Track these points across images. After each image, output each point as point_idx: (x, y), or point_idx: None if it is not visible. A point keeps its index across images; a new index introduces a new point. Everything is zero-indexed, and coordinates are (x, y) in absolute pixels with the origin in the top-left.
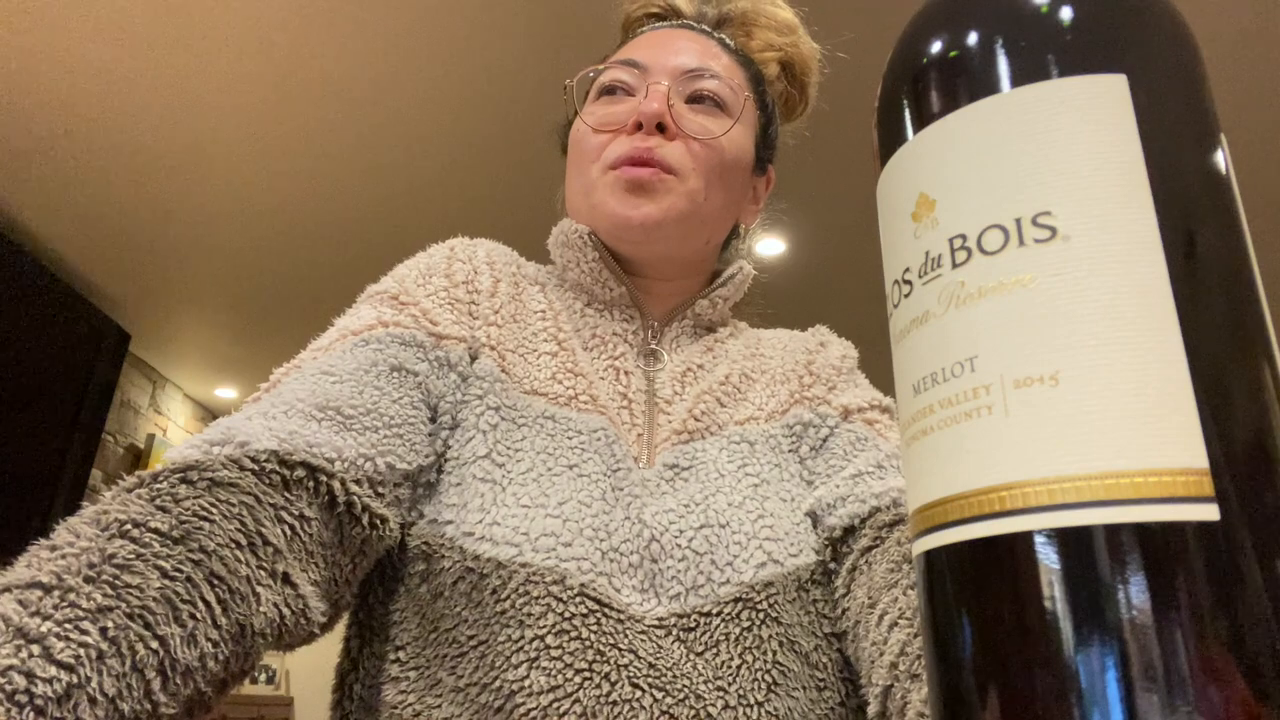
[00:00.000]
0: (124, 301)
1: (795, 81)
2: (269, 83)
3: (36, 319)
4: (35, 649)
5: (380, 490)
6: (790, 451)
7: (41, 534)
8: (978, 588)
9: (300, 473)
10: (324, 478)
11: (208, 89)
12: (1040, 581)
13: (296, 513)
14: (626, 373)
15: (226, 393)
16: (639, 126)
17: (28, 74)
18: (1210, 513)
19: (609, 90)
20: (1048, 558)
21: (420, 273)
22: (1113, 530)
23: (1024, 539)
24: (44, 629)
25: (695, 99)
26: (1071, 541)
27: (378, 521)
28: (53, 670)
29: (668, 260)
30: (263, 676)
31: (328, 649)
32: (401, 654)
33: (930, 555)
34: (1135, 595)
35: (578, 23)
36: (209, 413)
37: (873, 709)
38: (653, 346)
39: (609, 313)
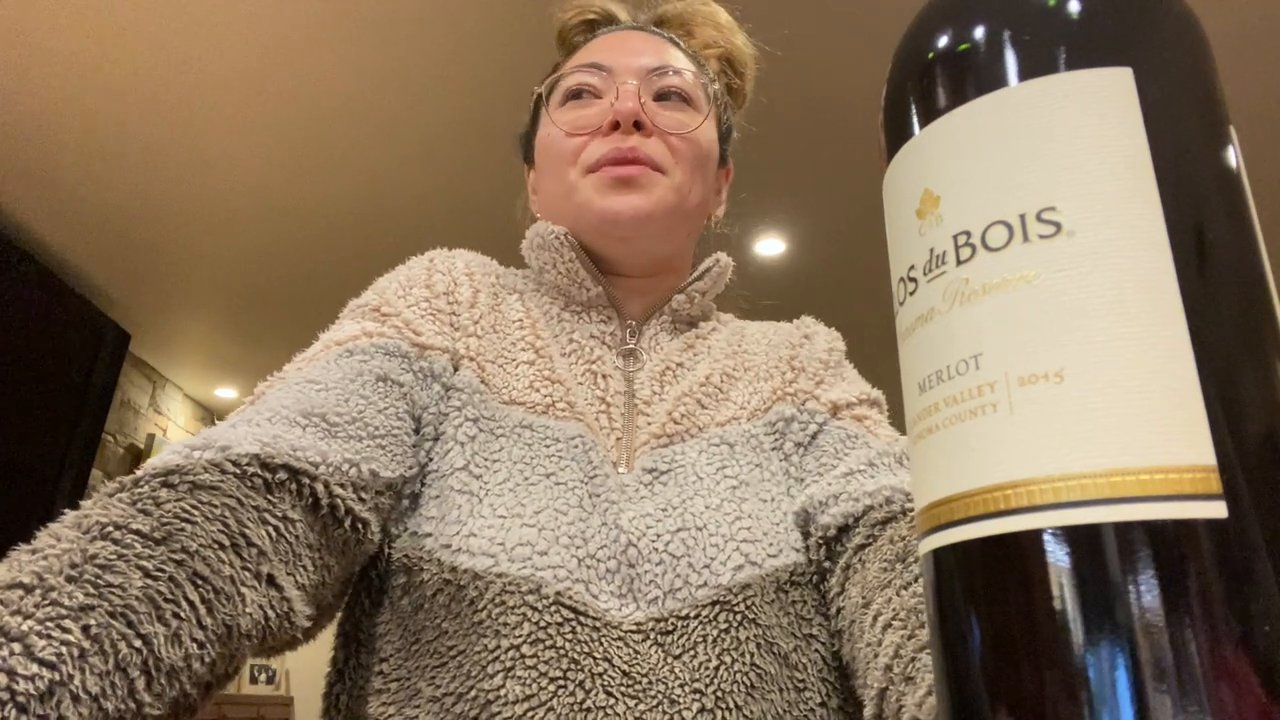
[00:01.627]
0: (124, 301)
1: (736, 75)
2: (271, 84)
3: (36, 319)
4: (16, 647)
5: (363, 496)
6: (773, 449)
7: None
8: (983, 586)
9: (282, 475)
10: (307, 480)
11: (209, 89)
12: (1045, 580)
13: (280, 515)
14: (605, 376)
15: (226, 393)
16: (615, 126)
17: (28, 73)
18: (1218, 510)
19: (575, 95)
20: (1053, 556)
21: (401, 284)
22: (1118, 528)
23: (1029, 537)
24: (25, 627)
25: (662, 96)
26: (1077, 540)
27: (360, 525)
28: (34, 668)
29: (649, 256)
30: (263, 676)
31: (328, 649)
32: (385, 666)
33: (937, 554)
34: (1141, 593)
35: None
36: (209, 413)
37: (869, 711)
38: (630, 346)
39: (586, 314)
